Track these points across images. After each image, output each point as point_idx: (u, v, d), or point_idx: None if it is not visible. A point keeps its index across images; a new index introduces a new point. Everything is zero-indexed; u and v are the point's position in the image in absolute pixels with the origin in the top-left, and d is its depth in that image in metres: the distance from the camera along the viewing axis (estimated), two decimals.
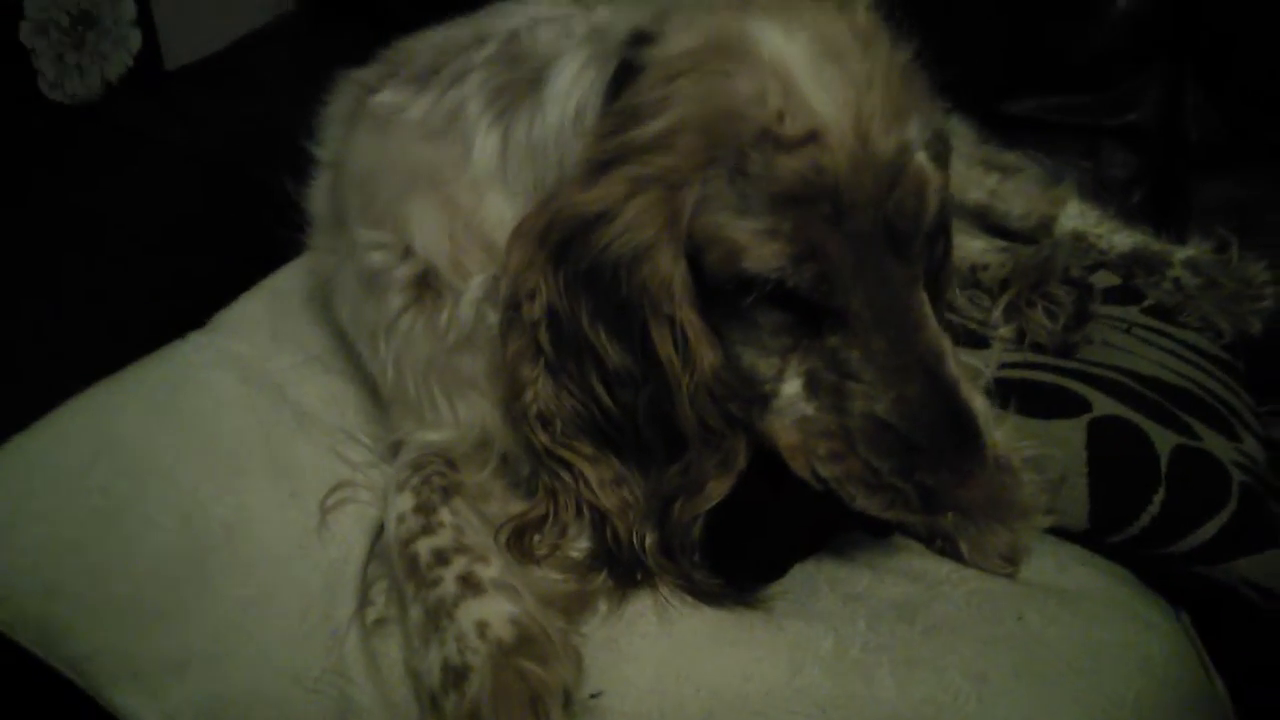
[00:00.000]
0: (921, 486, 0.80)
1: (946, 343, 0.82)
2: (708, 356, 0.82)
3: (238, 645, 0.86)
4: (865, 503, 0.82)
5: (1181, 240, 1.54)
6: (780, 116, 0.75)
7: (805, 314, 0.81)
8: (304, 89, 1.23)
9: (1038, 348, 1.25)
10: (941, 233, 0.95)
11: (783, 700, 0.82)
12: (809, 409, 0.84)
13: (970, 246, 1.41)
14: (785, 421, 0.85)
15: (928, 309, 0.82)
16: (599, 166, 0.80)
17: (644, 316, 0.81)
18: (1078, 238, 1.54)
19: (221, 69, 1.95)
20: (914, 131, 0.79)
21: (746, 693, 0.83)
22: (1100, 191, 1.73)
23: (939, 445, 0.79)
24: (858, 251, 0.77)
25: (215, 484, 0.94)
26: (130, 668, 0.87)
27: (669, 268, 0.79)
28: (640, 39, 0.83)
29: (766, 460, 0.87)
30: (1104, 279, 1.49)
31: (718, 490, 0.86)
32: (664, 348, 0.81)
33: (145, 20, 2.48)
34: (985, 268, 1.37)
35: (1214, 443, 1.15)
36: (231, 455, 0.96)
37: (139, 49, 2.48)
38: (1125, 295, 1.46)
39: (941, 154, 0.90)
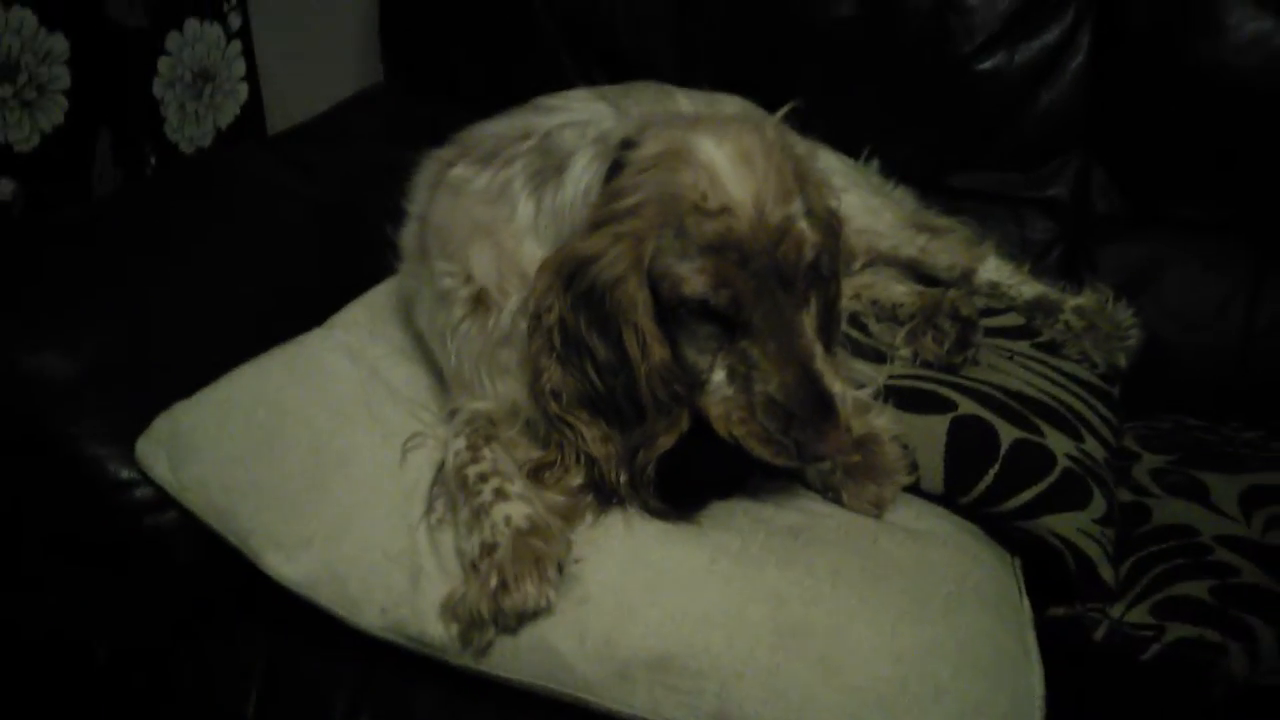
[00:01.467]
0: (795, 441, 1.20)
1: (818, 348, 1.22)
2: (658, 352, 1.21)
3: (346, 530, 1.29)
4: (760, 451, 1.22)
5: (1079, 291, 1.92)
6: (705, 196, 1.17)
7: (725, 326, 1.22)
8: (393, 151, 1.67)
9: (928, 365, 1.62)
10: (833, 278, 1.36)
11: (702, 576, 1.23)
12: (729, 391, 1.23)
13: (896, 289, 1.81)
14: (714, 399, 1.25)
15: (806, 325, 1.23)
16: (595, 225, 1.22)
17: (619, 324, 1.21)
18: (993, 286, 1.90)
19: (322, 129, 2.31)
20: (795, 208, 1.20)
21: (678, 571, 1.23)
22: (1024, 251, 2.10)
23: (806, 413, 1.18)
24: (758, 284, 1.18)
25: (333, 426, 1.37)
26: (275, 540, 1.30)
27: (635, 292, 1.20)
28: (627, 144, 1.26)
29: (700, 424, 1.27)
30: (1012, 319, 1.86)
31: (666, 443, 1.26)
32: (631, 346, 1.21)
33: (252, 78, 2.95)
34: (902, 306, 1.76)
35: (1055, 440, 1.50)
36: (343, 409, 1.40)
37: (246, 101, 2.97)
38: (1023, 332, 1.81)
39: (829, 224, 1.34)
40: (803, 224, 1.21)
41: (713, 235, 1.17)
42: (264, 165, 2.09)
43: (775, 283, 1.19)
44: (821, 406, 1.19)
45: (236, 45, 2.86)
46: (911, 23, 2.02)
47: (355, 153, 2.13)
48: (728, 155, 1.19)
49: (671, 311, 1.23)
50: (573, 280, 1.23)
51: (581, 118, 1.48)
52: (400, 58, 2.45)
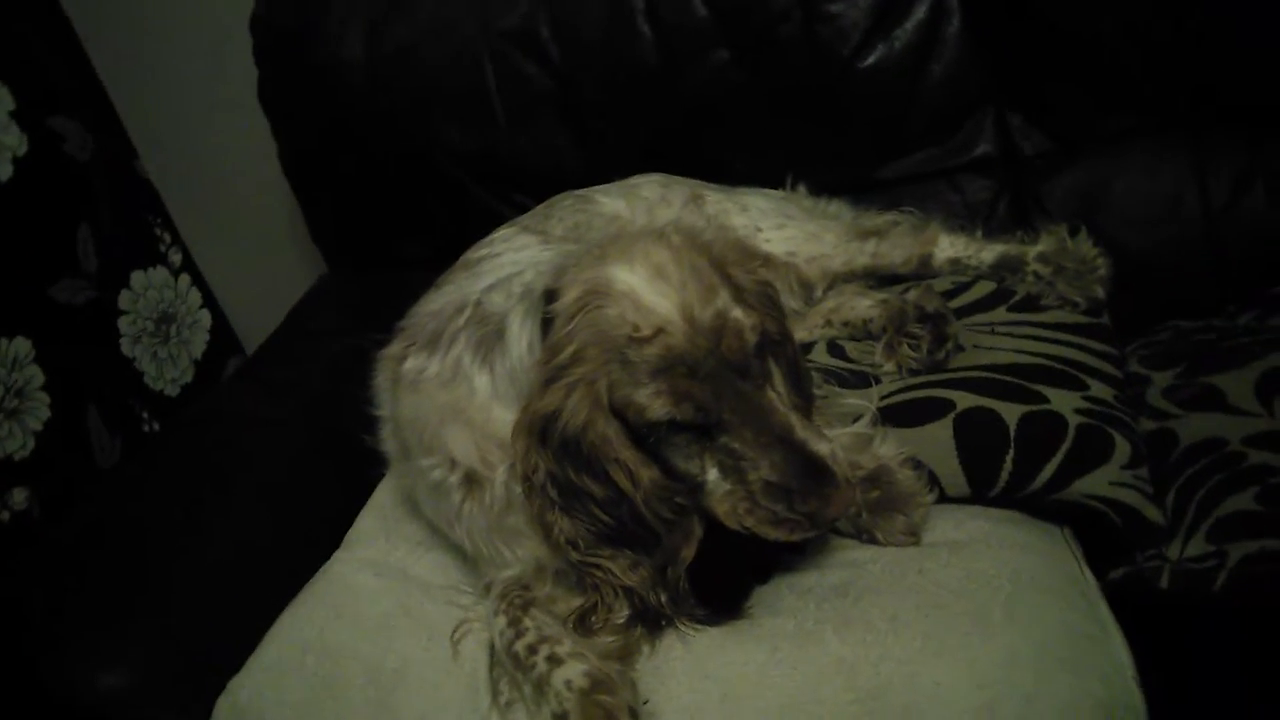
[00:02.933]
0: (804, 514, 1.21)
1: (794, 417, 1.24)
2: (647, 475, 1.24)
3: None
4: (775, 534, 1.24)
5: (1036, 239, 1.91)
6: (636, 327, 1.20)
7: (702, 430, 1.24)
8: (354, 341, 1.71)
9: (915, 372, 1.63)
10: (786, 339, 1.39)
11: (768, 671, 1.24)
12: (726, 486, 1.25)
13: (860, 305, 1.83)
14: (716, 498, 1.26)
15: (774, 399, 1.25)
16: (546, 382, 1.25)
17: (603, 463, 1.24)
18: (953, 263, 1.93)
19: (287, 341, 2.38)
20: (723, 300, 1.22)
21: (744, 674, 1.25)
22: (971, 216, 2.12)
23: (804, 484, 1.20)
24: (714, 385, 1.20)
25: (380, 647, 1.40)
26: None
27: (604, 430, 1.22)
28: (551, 296, 1.29)
29: (714, 526, 1.30)
30: (983, 288, 1.87)
31: (689, 554, 1.29)
32: (619, 479, 1.24)
33: (210, 303, 3.03)
34: (871, 321, 1.78)
35: (1060, 400, 1.51)
36: (385, 626, 1.42)
37: (212, 325, 3.04)
38: (997, 298, 1.83)
39: (764, 294, 1.36)
40: (736, 313, 1.23)
41: (655, 359, 1.19)
42: (244, 404, 2.15)
43: (730, 376, 1.22)
44: (816, 473, 1.21)
45: (185, 279, 2.96)
46: (785, 47, 2.05)
47: (322, 357, 2.19)
48: (643, 278, 1.22)
49: (646, 435, 1.25)
50: (546, 437, 1.26)
51: (506, 268, 1.52)
52: (335, 248, 2.51)
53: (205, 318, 3.04)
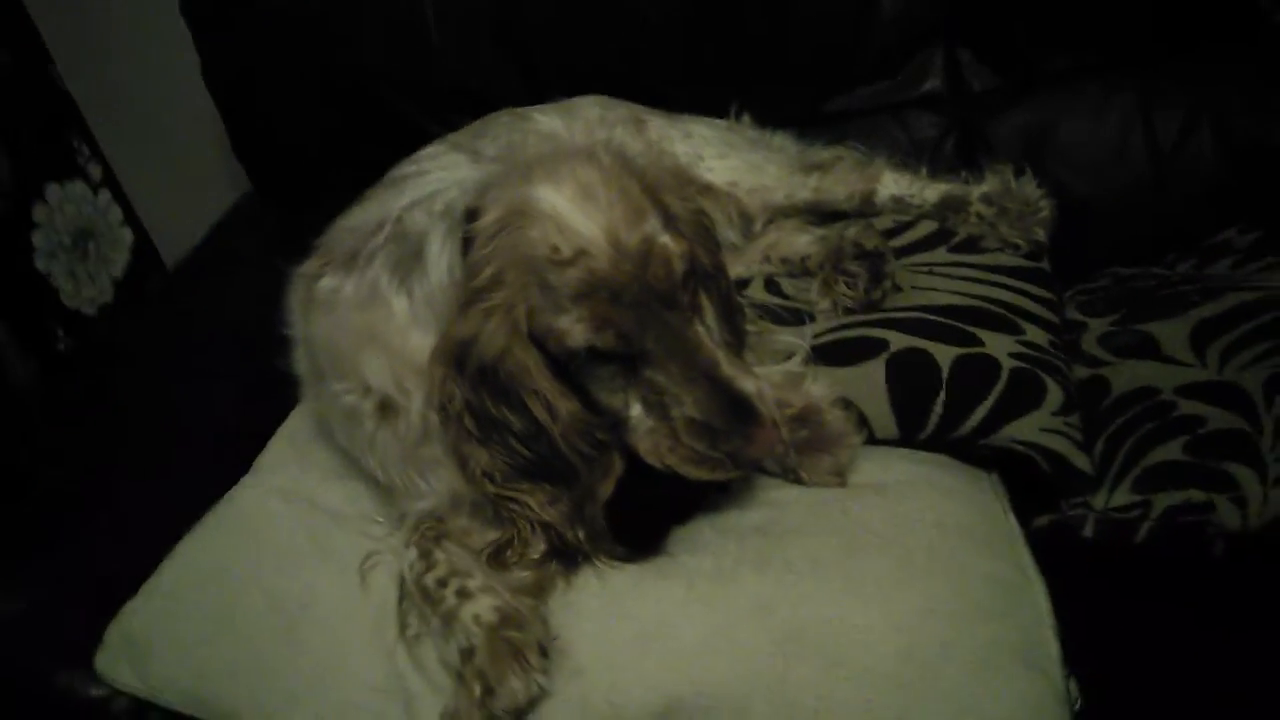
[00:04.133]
0: (727, 452, 1.17)
1: (720, 353, 1.19)
2: (566, 407, 1.19)
3: (327, 676, 1.26)
4: (697, 474, 1.19)
5: (982, 179, 1.88)
6: (557, 248, 1.13)
7: (624, 362, 1.19)
8: (276, 267, 1.64)
9: (850, 311, 1.59)
10: (719, 272, 1.34)
11: (683, 609, 1.21)
12: (650, 422, 1.20)
13: (798, 241, 1.78)
14: (639, 434, 1.22)
15: (701, 333, 1.20)
16: (465, 305, 1.18)
17: (520, 393, 1.19)
18: (896, 201, 1.87)
19: (207, 262, 2.29)
20: (651, 226, 1.16)
21: (659, 612, 1.21)
22: (917, 154, 2.08)
23: (728, 422, 1.15)
24: (638, 314, 1.15)
25: (285, 577, 1.34)
26: (262, 710, 1.26)
27: (523, 358, 1.17)
28: (472, 215, 1.22)
29: (636, 463, 1.25)
30: (925, 228, 1.83)
31: (606, 491, 1.24)
32: (537, 410, 1.18)
33: (133, 220, 2.91)
34: (808, 257, 1.73)
35: (995, 343, 1.48)
36: (292, 554, 1.36)
37: (133, 243, 2.92)
38: (938, 238, 1.79)
39: (697, 223, 1.30)
40: (664, 239, 1.18)
41: (577, 282, 1.14)
42: (160, 328, 2.06)
43: (656, 305, 1.16)
44: (741, 411, 1.17)
45: (106, 193, 2.82)
46: None
47: (241, 283, 2.08)
48: (568, 198, 1.16)
49: (567, 364, 1.20)
50: (463, 364, 1.20)
51: (432, 185, 1.44)
52: (260, 169, 2.39)
53: (126, 235, 2.91)
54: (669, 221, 1.22)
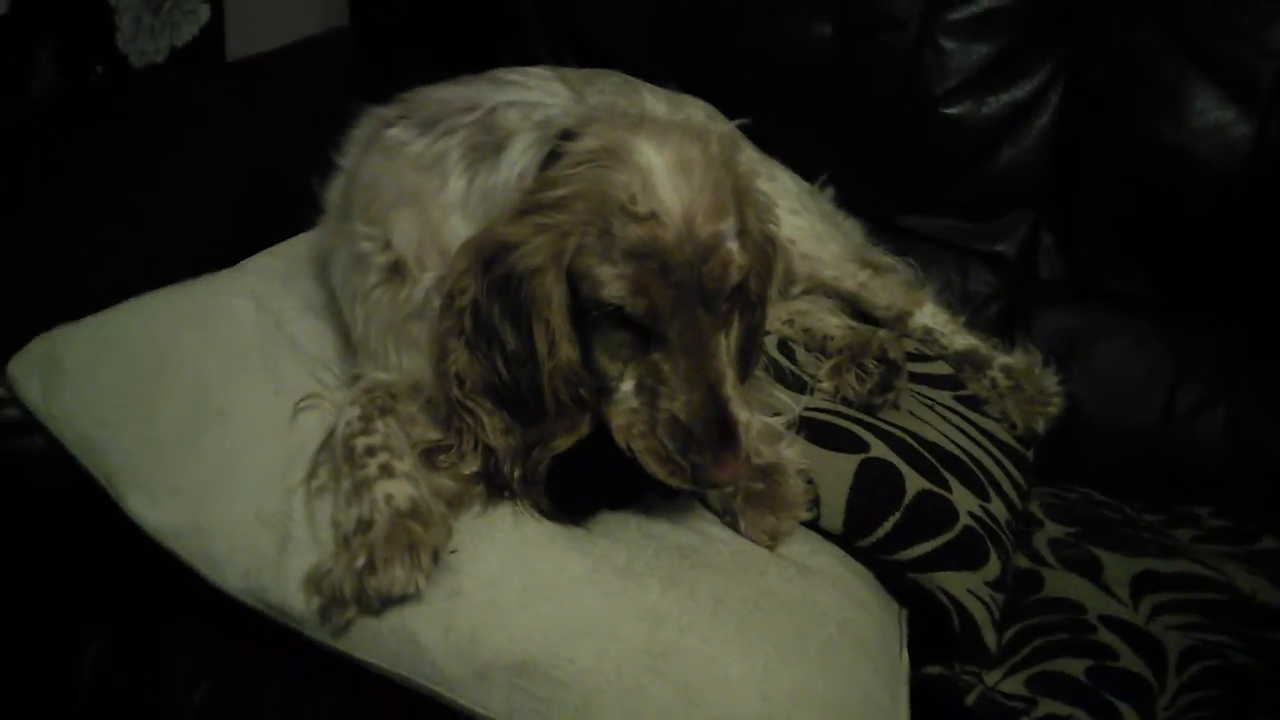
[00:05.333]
0: (692, 464, 1.16)
1: (730, 372, 1.19)
2: (566, 351, 1.17)
3: (219, 484, 1.23)
4: (655, 469, 1.19)
5: (1010, 351, 1.90)
6: (635, 199, 1.13)
7: (640, 336, 1.18)
8: (343, 102, 1.61)
9: (847, 402, 1.59)
10: (760, 303, 1.33)
11: (580, 585, 1.18)
12: (635, 403, 1.20)
13: (828, 320, 1.79)
14: (619, 409, 1.21)
15: (721, 346, 1.20)
16: (521, 212, 1.18)
17: (531, 317, 1.17)
18: (926, 332, 1.90)
19: (278, 67, 2.25)
20: (727, 226, 1.16)
21: (557, 577, 1.19)
22: (963, 301, 2.11)
23: (707, 436, 1.15)
24: (676, 297, 1.14)
25: (223, 374, 1.31)
26: (142, 483, 1.23)
27: (551, 286, 1.15)
28: (567, 135, 1.22)
29: (602, 431, 1.24)
30: (939, 368, 1.85)
31: (562, 445, 1.22)
32: (539, 341, 1.17)
33: (215, 1, 2.85)
34: (832, 338, 1.73)
35: (960, 496, 1.49)
36: (238, 358, 1.33)
37: (205, 24, 2.86)
38: (948, 383, 1.80)
39: (763, 248, 1.30)
40: (732, 244, 1.18)
41: (637, 240, 1.13)
42: (213, 96, 2.02)
43: (696, 299, 1.16)
44: (723, 432, 1.16)
45: None
46: (886, 53, 2.01)
47: (306, 98, 2.08)
48: (666, 162, 1.15)
49: (587, 312, 1.19)
50: (491, 265, 1.18)
51: (532, 98, 1.44)
52: (366, 3, 2.37)
53: (204, 12, 2.83)
54: (742, 232, 1.22)
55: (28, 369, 1.30)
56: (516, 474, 1.25)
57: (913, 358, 1.82)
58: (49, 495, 1.34)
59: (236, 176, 1.77)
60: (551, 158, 1.21)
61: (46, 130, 1.74)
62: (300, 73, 2.22)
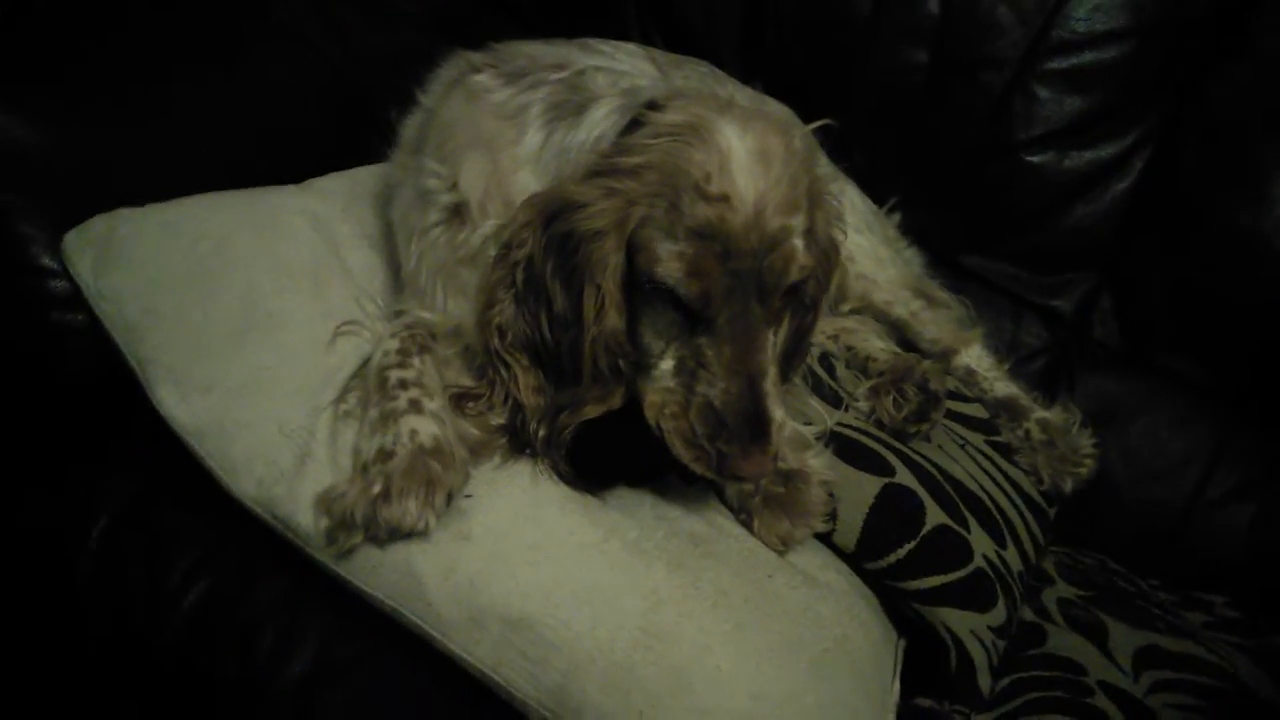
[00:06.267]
0: (719, 452, 1.15)
1: (772, 368, 1.18)
2: (612, 320, 1.16)
3: (250, 390, 1.23)
4: (681, 451, 1.18)
5: (1049, 406, 1.88)
6: (709, 178, 1.12)
7: (689, 317, 1.17)
8: (431, 41, 1.61)
9: (880, 425, 1.58)
10: (814, 307, 1.32)
11: (588, 552, 1.18)
12: (672, 383, 1.19)
13: (874, 343, 1.78)
14: (655, 385, 1.20)
15: (769, 341, 1.19)
16: (592, 174, 1.17)
17: (583, 280, 1.16)
18: (969, 374, 1.88)
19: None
20: (796, 222, 1.15)
21: (567, 540, 1.19)
22: (1011, 349, 2.09)
23: (739, 428, 1.14)
24: (732, 285, 1.13)
25: (273, 284, 1.32)
26: (175, 376, 1.25)
27: (609, 253, 1.15)
28: (652, 105, 1.21)
29: (634, 406, 1.23)
30: (976, 410, 1.83)
31: (592, 412, 1.22)
32: (588, 305, 1.16)
33: None
34: (875, 360, 1.72)
35: (978, 538, 1.48)
36: (289, 272, 1.34)
37: None
38: (982, 426, 1.79)
39: (827, 252, 1.29)
40: (798, 241, 1.16)
41: (703, 221, 1.12)
42: (297, 13, 2.01)
43: (752, 290, 1.15)
44: (756, 426, 1.15)
45: None
46: (978, 91, 1.98)
47: (394, 30, 2.06)
48: (747, 147, 1.14)
49: (640, 285, 1.18)
50: (552, 221, 1.18)
51: (621, 68, 1.43)
52: None
53: None
54: (809, 232, 1.20)
55: (83, 243, 1.31)
56: (542, 434, 1.25)
57: (951, 396, 1.80)
58: (77, 374, 1.34)
59: (320, 96, 1.76)
60: (633, 126, 1.20)
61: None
62: (398, 10, 2.21)
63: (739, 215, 1.12)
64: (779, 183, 1.14)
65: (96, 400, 1.36)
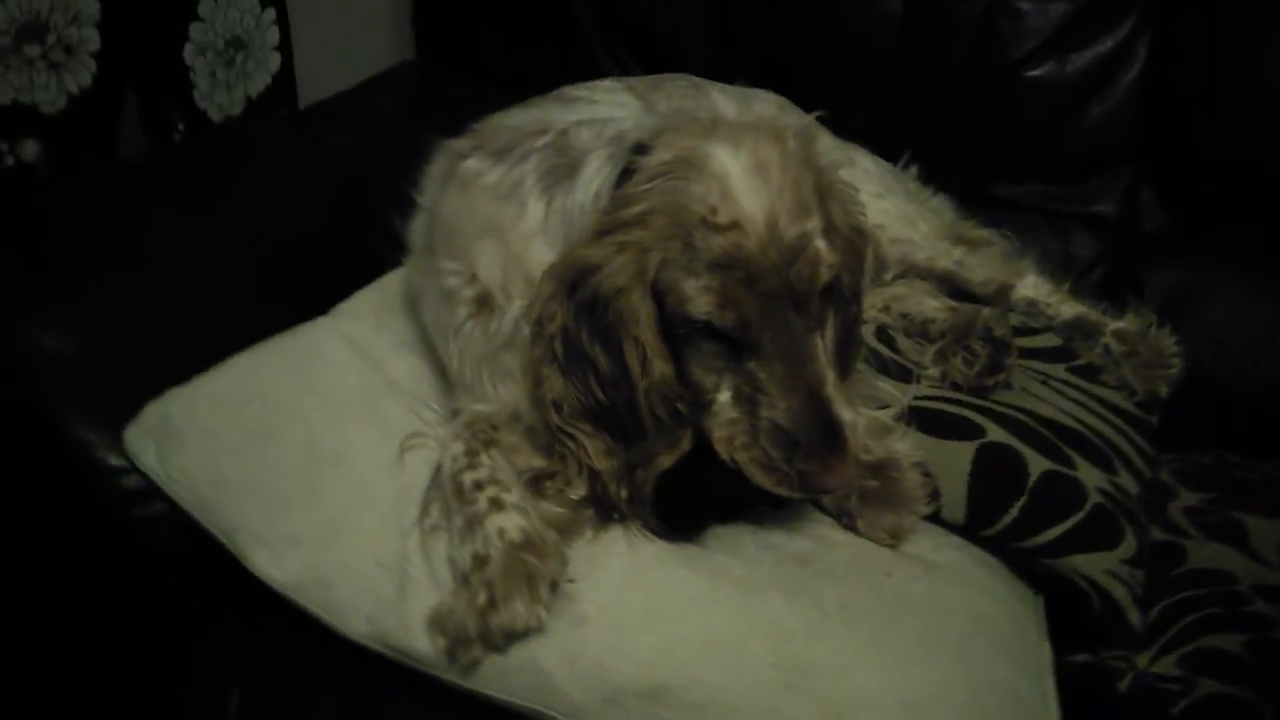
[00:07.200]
0: (799, 471, 1.13)
1: (829, 373, 1.15)
2: (659, 368, 1.15)
3: (336, 532, 1.24)
4: (761, 480, 1.16)
5: (1121, 314, 1.83)
6: (715, 210, 1.10)
7: (732, 345, 1.15)
8: (416, 133, 1.62)
9: (956, 387, 1.54)
10: (854, 298, 1.29)
11: (702, 602, 1.17)
12: (734, 413, 1.17)
13: (926, 304, 1.73)
14: (718, 421, 1.18)
15: (818, 347, 1.16)
16: (601, 233, 1.16)
17: (621, 337, 1.15)
18: (1030, 304, 1.82)
19: (349, 107, 2.29)
20: (812, 225, 1.13)
21: (677, 596, 1.17)
22: (1065, 268, 2.03)
23: (813, 442, 1.12)
24: (766, 304, 1.11)
25: (329, 422, 1.32)
26: (261, 539, 1.25)
27: (638, 304, 1.13)
28: (640, 149, 1.19)
29: (705, 445, 1.21)
30: (1048, 340, 1.77)
31: (665, 462, 1.20)
32: (631, 360, 1.15)
33: (285, 48, 2.91)
34: (933, 322, 1.68)
35: (1087, 473, 1.43)
36: (341, 405, 1.35)
37: (277, 71, 2.92)
38: (1059, 355, 1.73)
39: (852, 242, 1.26)
40: (819, 243, 1.14)
41: (720, 252, 1.10)
42: (289, 144, 2.07)
43: (786, 303, 1.13)
44: (829, 436, 1.13)
45: (270, 13, 2.80)
46: (960, 24, 1.94)
47: (378, 134, 2.11)
48: (742, 166, 1.12)
49: (676, 327, 1.17)
50: (575, 289, 1.17)
51: (601, 114, 1.43)
52: (431, 35, 2.40)
53: (275, 60, 2.88)
54: (829, 229, 1.18)
55: (143, 435, 1.33)
56: (623, 495, 1.24)
57: (1019, 332, 1.75)
58: (174, 558, 1.36)
59: (320, 221, 1.79)
60: (626, 174, 1.19)
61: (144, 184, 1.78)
62: (372, 109, 2.24)
63: (753, 238, 1.10)
64: (783, 192, 1.12)
65: (197, 571, 1.38)
